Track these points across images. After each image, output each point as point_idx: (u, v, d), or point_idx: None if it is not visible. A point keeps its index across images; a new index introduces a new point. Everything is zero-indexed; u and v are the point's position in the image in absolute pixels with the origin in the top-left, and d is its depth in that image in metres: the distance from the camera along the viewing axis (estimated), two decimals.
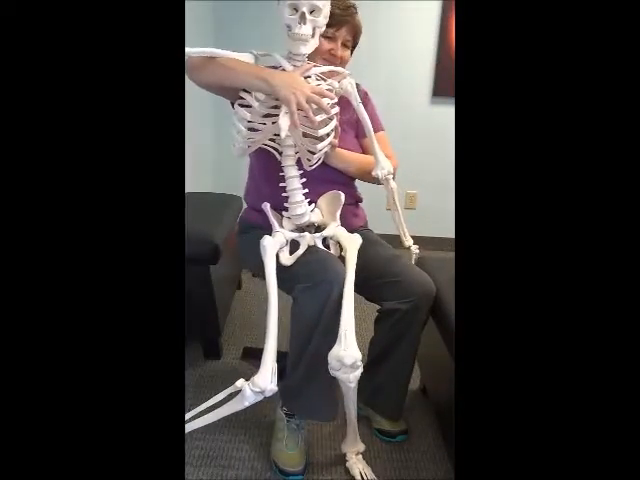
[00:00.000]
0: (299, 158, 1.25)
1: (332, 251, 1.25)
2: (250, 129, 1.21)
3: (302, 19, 1.14)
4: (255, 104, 1.18)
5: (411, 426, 1.42)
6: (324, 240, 1.26)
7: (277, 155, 1.25)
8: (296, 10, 1.14)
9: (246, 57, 1.22)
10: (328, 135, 1.23)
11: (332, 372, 1.07)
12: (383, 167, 1.33)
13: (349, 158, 1.37)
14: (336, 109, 1.22)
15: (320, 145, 1.22)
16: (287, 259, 1.21)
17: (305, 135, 1.21)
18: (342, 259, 1.21)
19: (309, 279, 1.16)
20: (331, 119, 1.22)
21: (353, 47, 1.42)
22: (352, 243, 1.21)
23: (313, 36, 1.18)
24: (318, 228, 1.29)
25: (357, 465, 1.23)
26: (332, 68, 1.28)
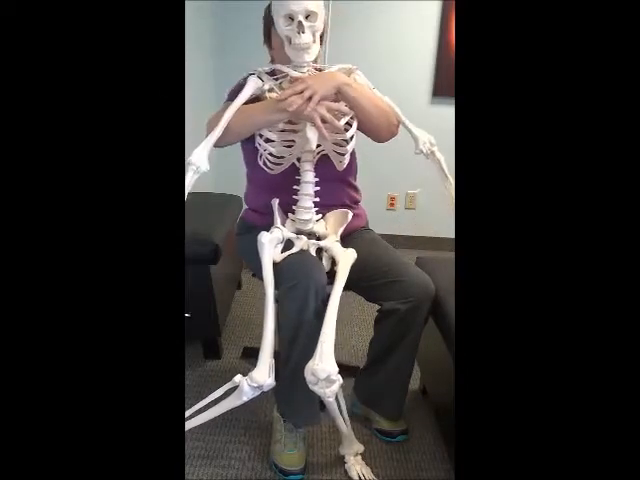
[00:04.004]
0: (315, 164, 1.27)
1: (324, 263, 1.25)
2: (277, 155, 1.25)
3: (300, 27, 1.14)
4: (273, 136, 1.22)
5: (411, 426, 1.42)
6: (319, 251, 1.27)
7: (295, 161, 1.27)
8: (292, 19, 1.14)
9: (252, 85, 1.23)
10: (353, 136, 1.26)
11: (310, 386, 1.06)
12: (424, 141, 1.30)
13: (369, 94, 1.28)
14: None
15: (349, 146, 1.25)
16: (278, 256, 1.22)
17: (334, 141, 1.24)
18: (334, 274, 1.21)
19: (289, 280, 1.16)
20: (352, 122, 1.25)
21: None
22: (346, 258, 1.21)
23: (314, 41, 1.18)
24: (318, 239, 1.29)
25: (355, 466, 1.23)
26: (340, 66, 1.29)
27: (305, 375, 1.06)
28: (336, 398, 1.16)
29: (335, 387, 1.07)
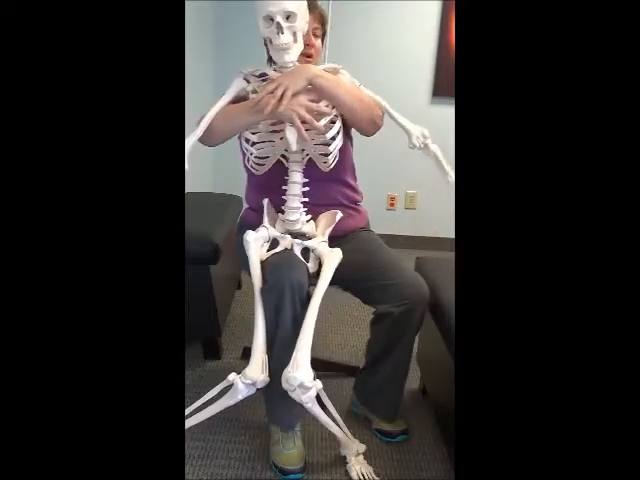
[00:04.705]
0: (304, 167, 1.26)
1: (310, 264, 1.25)
2: (260, 156, 1.26)
3: (279, 28, 1.14)
4: (254, 137, 1.23)
5: (411, 426, 1.42)
6: (307, 251, 1.27)
7: (284, 161, 1.27)
8: (272, 20, 1.14)
9: (235, 86, 1.24)
10: (336, 135, 1.24)
11: (289, 393, 1.08)
12: (417, 135, 1.28)
13: (346, 87, 1.25)
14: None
15: (331, 147, 1.24)
16: (264, 255, 1.24)
17: (313, 139, 1.24)
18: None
19: (267, 280, 1.17)
20: (334, 121, 1.24)
21: (323, 35, 1.42)
22: (331, 259, 1.21)
23: (295, 41, 1.18)
24: (309, 240, 1.29)
25: (355, 467, 1.23)
26: (326, 65, 1.29)
27: (282, 382, 1.07)
28: (322, 403, 1.16)
29: (311, 393, 1.08)
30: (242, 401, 1.14)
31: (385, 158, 2.95)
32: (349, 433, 1.25)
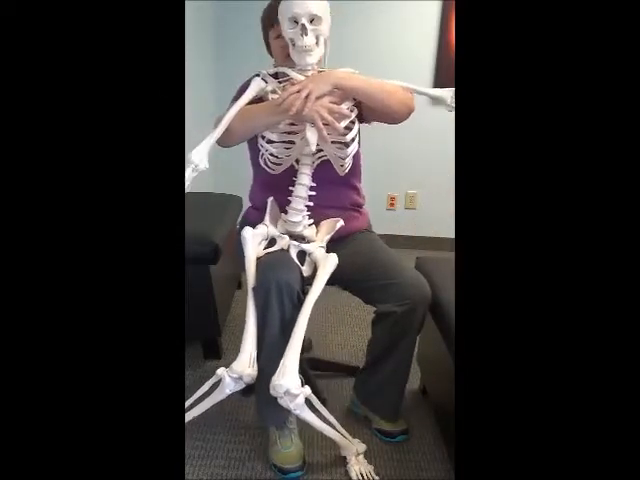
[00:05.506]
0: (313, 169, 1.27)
1: (305, 268, 1.25)
2: (278, 155, 1.26)
3: (303, 30, 1.15)
4: (274, 136, 1.24)
5: (411, 426, 1.42)
6: (304, 255, 1.27)
7: (294, 163, 1.27)
8: (297, 22, 1.15)
9: (255, 86, 1.25)
10: (354, 139, 1.25)
11: (278, 400, 1.09)
12: (451, 96, 1.30)
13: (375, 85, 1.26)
14: (355, 111, 1.26)
15: (349, 149, 1.25)
16: (260, 253, 1.25)
17: (333, 143, 1.24)
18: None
19: (257, 279, 1.19)
20: (352, 125, 1.25)
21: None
22: (326, 264, 1.21)
23: (318, 45, 1.19)
24: (307, 243, 1.29)
25: (355, 466, 1.23)
26: (342, 70, 1.29)
27: (270, 389, 1.08)
28: (314, 407, 1.15)
29: (299, 400, 1.08)
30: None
31: (385, 158, 2.95)
32: (347, 434, 1.25)
